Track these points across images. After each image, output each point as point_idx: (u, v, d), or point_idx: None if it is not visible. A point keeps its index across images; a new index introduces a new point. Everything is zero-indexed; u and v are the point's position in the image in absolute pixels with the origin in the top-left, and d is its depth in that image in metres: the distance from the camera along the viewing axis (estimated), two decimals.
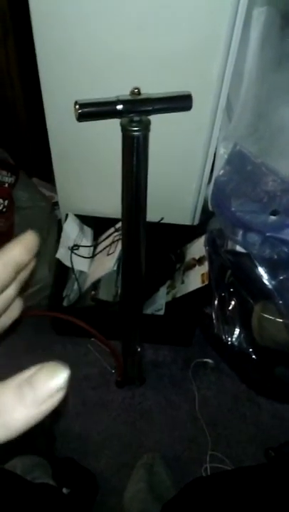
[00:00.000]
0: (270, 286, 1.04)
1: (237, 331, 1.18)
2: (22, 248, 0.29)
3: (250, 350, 1.17)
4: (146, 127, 0.72)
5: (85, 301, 1.39)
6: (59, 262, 1.38)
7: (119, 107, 0.70)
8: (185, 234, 1.45)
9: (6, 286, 0.30)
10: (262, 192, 1.00)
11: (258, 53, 0.98)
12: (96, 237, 1.52)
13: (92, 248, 1.49)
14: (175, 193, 1.38)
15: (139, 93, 0.71)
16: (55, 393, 0.22)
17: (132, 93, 0.71)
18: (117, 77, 0.97)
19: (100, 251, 1.44)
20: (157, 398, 1.34)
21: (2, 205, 1.31)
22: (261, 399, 1.34)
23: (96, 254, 1.45)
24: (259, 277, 1.04)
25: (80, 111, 0.69)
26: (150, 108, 0.72)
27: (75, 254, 1.42)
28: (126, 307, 1.09)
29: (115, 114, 0.71)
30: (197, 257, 1.36)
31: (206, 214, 1.42)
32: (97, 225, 1.51)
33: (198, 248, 1.37)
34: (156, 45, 1.02)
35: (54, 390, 0.22)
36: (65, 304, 1.40)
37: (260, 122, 1.06)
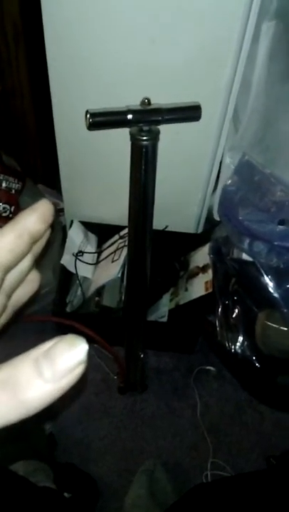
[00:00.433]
0: (275, 295, 1.04)
1: (240, 339, 1.19)
2: (37, 217, 0.27)
3: (254, 358, 1.18)
4: (155, 137, 0.74)
5: (89, 307, 1.40)
6: (63, 268, 1.39)
7: (130, 116, 0.71)
8: (189, 242, 1.46)
9: (21, 258, 0.28)
10: (270, 202, 1.01)
11: (266, 66, 0.99)
12: (100, 244, 1.53)
13: (96, 255, 1.50)
14: (180, 201, 1.39)
15: (149, 103, 0.72)
16: (75, 367, 0.20)
17: (142, 103, 0.72)
18: (127, 87, 0.99)
19: (105, 258, 1.45)
20: (159, 405, 1.35)
21: (8, 211, 1.32)
22: (263, 407, 1.34)
23: (100, 261, 1.46)
24: (265, 286, 1.05)
25: (91, 120, 0.70)
26: (160, 118, 0.73)
27: (80, 260, 1.43)
28: (129, 314, 1.10)
29: (125, 123, 0.72)
30: (201, 265, 1.37)
31: (210, 222, 1.43)
32: (101, 231, 1.52)
33: (202, 256, 1.38)
34: (167, 57, 1.04)
35: (74, 363, 0.20)
36: (68, 309, 1.41)
37: (267, 133, 1.07)
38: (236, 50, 1.01)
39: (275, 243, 1.00)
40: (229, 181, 1.12)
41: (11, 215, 1.33)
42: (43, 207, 0.27)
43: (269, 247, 1.01)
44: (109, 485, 1.20)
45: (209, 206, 1.39)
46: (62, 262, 1.39)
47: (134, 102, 0.73)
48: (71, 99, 1.14)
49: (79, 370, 0.20)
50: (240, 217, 1.05)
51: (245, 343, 1.18)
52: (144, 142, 0.73)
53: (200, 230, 1.50)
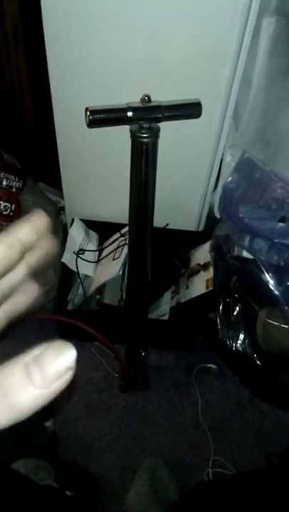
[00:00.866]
0: (276, 293, 1.04)
1: (241, 337, 1.19)
2: (29, 228, 0.28)
3: (255, 355, 1.18)
4: (155, 134, 0.73)
5: (90, 305, 1.40)
6: (64, 266, 1.39)
7: (130, 113, 0.71)
8: (190, 240, 1.46)
9: (12, 266, 0.28)
10: (270, 199, 1.01)
11: (267, 62, 0.99)
12: (101, 242, 1.53)
13: (97, 253, 1.50)
14: (181, 199, 1.39)
15: (149, 100, 0.72)
16: (64, 373, 0.21)
17: (143, 100, 0.72)
18: (126, 84, 0.98)
19: (106, 256, 1.45)
20: (160, 403, 1.35)
21: (9, 210, 1.32)
22: (264, 405, 1.34)
23: (101, 259, 1.46)
24: (265, 283, 1.05)
25: (90, 117, 0.70)
26: (160, 115, 0.73)
27: (81, 258, 1.42)
28: (130, 311, 1.10)
29: (125, 120, 0.72)
30: (202, 263, 1.36)
31: (211, 220, 1.43)
32: (102, 229, 1.52)
33: (203, 254, 1.38)
34: (167, 54, 1.04)
35: (63, 369, 0.21)
36: (69, 307, 1.41)
37: (268, 130, 1.07)
38: (236, 46, 1.01)
39: (276, 240, 0.99)
40: (229, 178, 1.11)
41: (11, 213, 1.33)
42: (37, 218, 0.28)
43: (269, 245, 1.01)
44: (111, 483, 1.20)
45: (210, 204, 1.39)
46: (63, 260, 1.39)
47: (134, 100, 0.72)
48: (71, 97, 1.14)
49: (68, 376, 0.21)
50: (240, 215, 1.05)
51: (246, 340, 1.18)
52: (145, 139, 0.73)
53: (201, 228, 1.50)
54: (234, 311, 1.21)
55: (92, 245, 1.50)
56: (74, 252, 1.42)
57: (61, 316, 1.31)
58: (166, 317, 1.39)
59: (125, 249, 1.36)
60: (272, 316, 1.14)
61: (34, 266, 0.31)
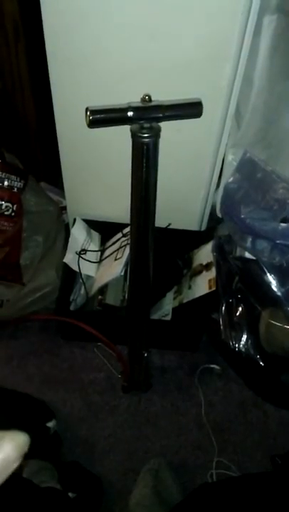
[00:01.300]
0: (279, 293, 1.04)
1: (244, 337, 1.18)
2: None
3: (258, 356, 1.17)
4: (156, 134, 0.73)
5: (92, 306, 1.39)
6: (66, 267, 1.39)
7: (130, 113, 0.70)
8: (192, 240, 1.46)
9: None
10: (272, 199, 1.00)
11: (268, 61, 0.98)
12: (103, 242, 1.53)
13: (99, 253, 1.49)
14: (183, 198, 1.38)
15: (149, 100, 0.71)
16: None
17: (143, 100, 0.71)
18: (127, 84, 0.98)
19: (108, 256, 1.44)
20: (163, 403, 1.34)
21: (11, 210, 1.32)
22: (268, 406, 1.34)
23: (103, 259, 1.46)
24: (268, 284, 1.04)
25: (91, 117, 0.69)
26: (161, 115, 0.72)
27: (83, 258, 1.42)
28: (133, 312, 1.09)
29: (126, 120, 0.71)
30: (204, 263, 1.36)
31: (214, 220, 1.43)
32: (104, 229, 1.52)
33: (205, 254, 1.37)
34: (167, 53, 1.03)
35: None
36: (71, 308, 1.41)
37: (269, 129, 1.06)
38: (238, 45, 1.00)
39: (278, 241, 0.99)
40: (231, 179, 1.11)
41: (13, 214, 1.33)
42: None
43: (272, 246, 1.00)
44: (114, 484, 1.19)
45: (212, 203, 1.39)
46: (65, 260, 1.39)
47: (135, 99, 0.72)
48: (72, 96, 1.13)
49: None
50: (242, 216, 1.04)
51: (249, 341, 1.17)
52: (145, 139, 0.72)
53: (203, 228, 1.49)
54: (237, 312, 1.20)
55: (94, 245, 1.50)
56: (76, 252, 1.42)
57: (63, 316, 1.30)
58: (168, 317, 1.38)
59: (127, 249, 1.35)
60: (275, 317, 1.14)
61: None
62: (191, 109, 0.75)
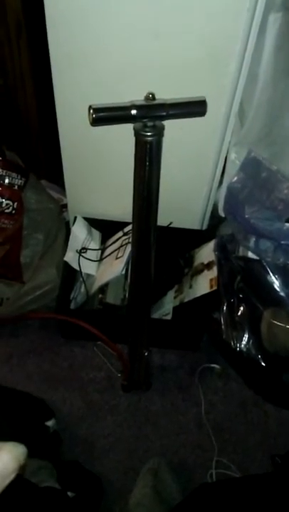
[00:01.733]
0: (282, 294, 1.03)
1: (246, 337, 1.18)
2: None
3: (259, 356, 1.17)
4: (159, 132, 0.72)
5: (93, 304, 1.39)
6: (67, 265, 1.38)
7: (134, 111, 0.69)
8: (194, 238, 1.45)
9: None
10: (276, 199, 0.99)
11: (273, 58, 0.98)
12: (104, 241, 1.52)
13: (100, 251, 1.49)
14: (185, 197, 1.38)
15: (153, 98, 0.71)
16: None
17: (147, 98, 0.71)
18: (130, 82, 0.97)
19: (108, 254, 1.44)
20: (163, 403, 1.34)
21: (11, 207, 1.31)
22: (268, 405, 1.33)
23: (104, 258, 1.45)
24: (271, 284, 1.04)
25: (94, 115, 0.69)
26: (164, 113, 0.71)
27: (83, 257, 1.42)
28: (133, 311, 1.09)
29: (129, 119, 0.70)
30: (206, 262, 1.35)
31: (215, 218, 1.42)
32: (105, 228, 1.51)
33: (207, 253, 1.37)
34: (172, 51, 1.02)
35: None
36: (72, 306, 1.40)
37: (273, 127, 1.06)
38: (242, 42, 0.99)
39: (282, 242, 0.98)
40: (235, 178, 1.10)
41: (14, 211, 1.32)
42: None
43: (276, 246, 1.00)
44: (114, 483, 1.19)
45: (214, 202, 1.38)
46: (65, 258, 1.38)
47: (138, 98, 0.71)
48: (74, 94, 1.13)
49: None
50: (246, 216, 1.03)
51: (251, 341, 1.17)
52: (149, 138, 0.72)
53: (205, 227, 1.49)
54: (238, 311, 1.19)
55: (95, 244, 1.49)
56: (76, 251, 1.41)
57: (63, 315, 1.30)
58: (169, 317, 1.37)
59: (128, 247, 1.35)
60: (278, 317, 1.13)
61: None
62: (195, 108, 0.74)
